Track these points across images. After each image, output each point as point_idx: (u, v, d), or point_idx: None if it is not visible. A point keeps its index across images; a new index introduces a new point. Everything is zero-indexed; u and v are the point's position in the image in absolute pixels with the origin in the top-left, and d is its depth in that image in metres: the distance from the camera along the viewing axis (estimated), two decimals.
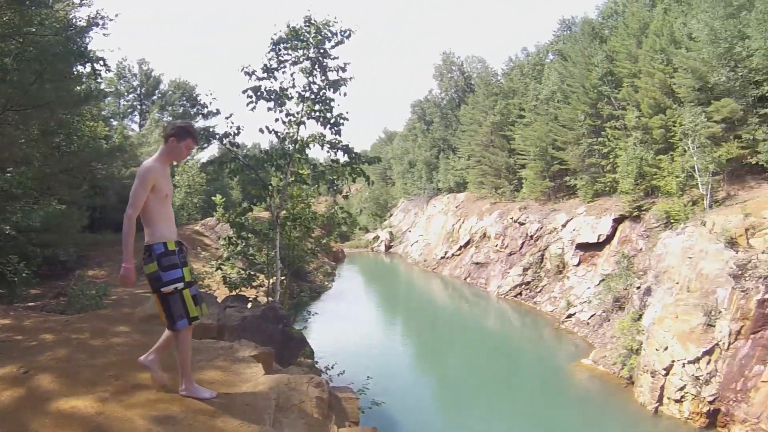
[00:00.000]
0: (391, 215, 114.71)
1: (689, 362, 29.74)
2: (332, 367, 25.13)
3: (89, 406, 7.37)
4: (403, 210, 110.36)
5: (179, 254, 7.44)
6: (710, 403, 28.88)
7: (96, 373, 8.64)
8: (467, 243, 74.85)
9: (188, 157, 74.57)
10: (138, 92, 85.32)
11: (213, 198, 37.72)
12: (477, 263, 68.90)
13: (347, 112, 21.61)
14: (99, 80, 37.96)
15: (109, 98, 74.16)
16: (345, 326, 48.11)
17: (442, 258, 79.69)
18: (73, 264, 36.15)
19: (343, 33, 21.45)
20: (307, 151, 22.73)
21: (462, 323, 55.00)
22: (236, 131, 21.21)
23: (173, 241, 7.43)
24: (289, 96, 21.46)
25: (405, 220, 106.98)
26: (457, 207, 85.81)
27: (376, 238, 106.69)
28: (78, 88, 28.85)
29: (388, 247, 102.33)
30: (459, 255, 75.76)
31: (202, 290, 19.36)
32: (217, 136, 21.45)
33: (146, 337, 10.33)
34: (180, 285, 7.22)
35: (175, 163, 8.00)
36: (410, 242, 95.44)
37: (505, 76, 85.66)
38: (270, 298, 23.64)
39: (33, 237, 24.24)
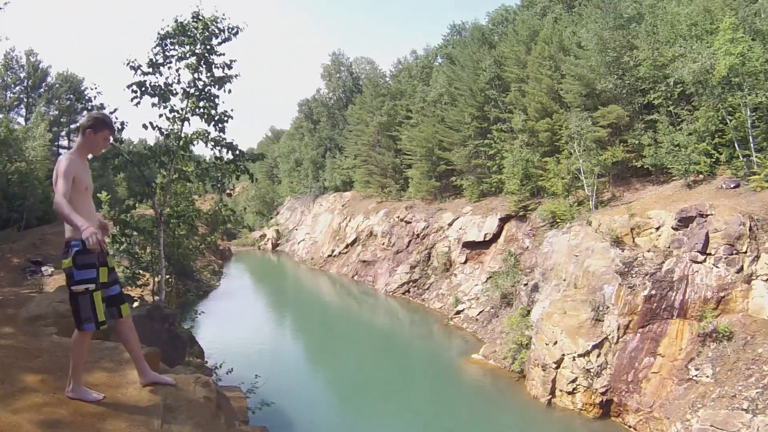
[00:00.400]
0: (277, 213, 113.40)
1: (579, 355, 30.21)
2: (221, 366, 24.39)
3: None
4: (290, 208, 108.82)
5: (99, 253, 6.93)
6: (602, 394, 29.38)
7: None
8: (354, 241, 74.47)
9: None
10: (24, 84, 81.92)
11: (98, 195, 36.47)
12: (364, 261, 68.60)
13: (232, 110, 21.14)
14: None
15: None
16: (234, 325, 47.26)
17: (329, 256, 78.93)
18: None
19: (230, 30, 20.80)
20: (192, 147, 21.94)
21: (351, 321, 54.55)
22: (120, 126, 20.21)
23: None
24: (174, 92, 20.61)
25: (291, 218, 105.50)
26: (343, 206, 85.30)
27: (263, 236, 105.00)
28: None
29: (275, 246, 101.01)
30: (346, 253, 75.21)
31: None
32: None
33: (32, 339, 9.83)
34: (91, 286, 6.78)
35: (91, 155, 7.49)
36: (297, 240, 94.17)
37: (393, 78, 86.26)
38: (156, 297, 22.80)
39: None
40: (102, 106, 20.73)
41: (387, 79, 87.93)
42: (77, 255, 6.75)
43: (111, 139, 7.55)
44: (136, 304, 19.58)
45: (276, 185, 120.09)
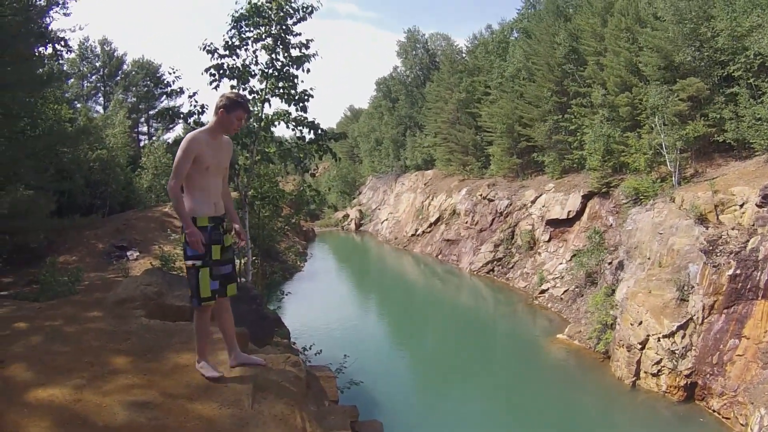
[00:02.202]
0: (359, 193, 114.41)
1: (664, 336, 30.18)
2: (309, 348, 24.97)
3: (66, 393, 7.25)
4: (372, 188, 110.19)
5: (211, 231, 7.35)
6: (687, 376, 29.41)
7: (71, 360, 8.47)
8: (437, 220, 74.92)
9: (155, 138, 74.25)
10: (101, 73, 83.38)
11: None
12: (448, 240, 69.07)
13: (312, 89, 21.35)
14: (61, 61, 37.53)
15: (72, 80, 72.99)
16: (319, 306, 48.09)
17: (412, 235, 79.95)
18: (43, 250, 35.69)
19: (305, 9, 21.12)
20: (273, 128, 22.46)
21: (436, 300, 55.39)
22: (200, 110, 20.86)
23: (207, 216, 7.33)
24: (253, 73, 21.17)
25: (374, 198, 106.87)
26: (425, 184, 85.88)
27: (346, 216, 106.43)
28: (40, 70, 28.36)
29: (358, 226, 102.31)
30: (429, 232, 75.93)
31: (174, 273, 19.14)
32: (182, 116, 21.10)
33: (120, 322, 10.22)
34: (198, 263, 7.18)
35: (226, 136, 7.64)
36: (380, 220, 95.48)
37: (469, 54, 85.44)
38: (242, 279, 23.48)
39: (1, 224, 23.84)
40: (181, 90, 21.38)
41: (463, 55, 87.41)
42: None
43: (245, 119, 7.76)
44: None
45: (357, 165, 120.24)
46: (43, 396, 7.24)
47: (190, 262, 7.16)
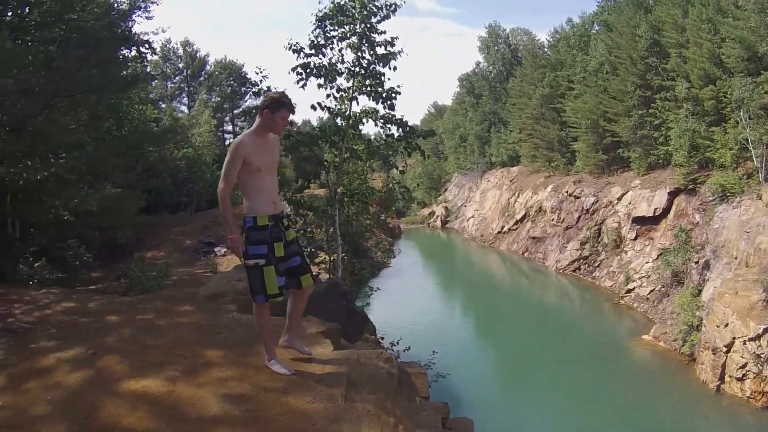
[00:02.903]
0: (445, 190, 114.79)
1: (750, 339, 29.79)
2: (397, 343, 25.29)
3: (160, 385, 7.48)
4: (457, 185, 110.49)
5: (272, 229, 7.55)
6: None
7: (164, 352, 8.75)
8: (523, 217, 74.86)
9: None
10: (184, 74, 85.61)
11: None
12: (534, 238, 69.06)
13: (399, 86, 21.56)
14: (145, 64, 38.43)
15: (156, 81, 74.58)
16: (406, 302, 48.53)
17: (498, 233, 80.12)
18: (131, 246, 36.74)
19: (388, 7, 21.32)
20: (361, 126, 22.73)
21: (521, 298, 55.59)
22: None
23: (266, 215, 7.51)
24: (340, 72, 21.48)
25: (459, 195, 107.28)
26: (511, 181, 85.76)
27: (432, 213, 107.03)
28: (124, 72, 29.15)
29: (444, 223, 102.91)
30: (515, 230, 76.01)
31: None
32: None
33: (212, 316, 10.40)
34: (261, 261, 7.36)
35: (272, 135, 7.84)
36: (466, 217, 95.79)
37: (551, 48, 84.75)
38: (331, 275, 23.77)
39: (91, 221, 24.58)
40: (269, 89, 21.70)
41: (545, 49, 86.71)
42: (249, 231, 7.43)
43: (289, 118, 7.98)
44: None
45: (442, 162, 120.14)
46: (136, 387, 7.49)
47: (252, 261, 7.37)
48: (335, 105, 21.79)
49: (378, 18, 21.32)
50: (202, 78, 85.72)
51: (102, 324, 10.60)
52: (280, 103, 7.63)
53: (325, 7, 21.07)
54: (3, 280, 17.12)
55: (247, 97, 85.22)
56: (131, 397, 7.21)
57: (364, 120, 22.01)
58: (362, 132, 23.47)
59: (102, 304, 12.65)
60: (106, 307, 12.23)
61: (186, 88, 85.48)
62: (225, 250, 38.55)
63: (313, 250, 24.76)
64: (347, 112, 21.67)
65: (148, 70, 44.22)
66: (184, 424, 6.57)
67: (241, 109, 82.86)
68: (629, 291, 47.32)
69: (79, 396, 7.33)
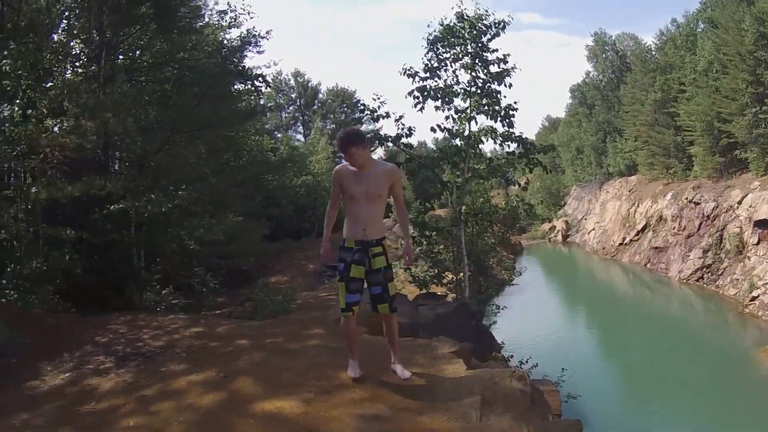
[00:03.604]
0: (564, 204, 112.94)
1: None
2: (526, 361, 24.97)
3: (294, 406, 7.67)
4: (576, 198, 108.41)
5: (356, 252, 8.27)
6: None
7: (296, 375, 9.02)
8: (644, 227, 72.76)
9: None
10: (297, 104, 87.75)
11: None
12: (656, 248, 67.07)
13: (515, 103, 21.42)
14: (260, 96, 39.19)
15: (270, 112, 76.03)
16: (530, 319, 47.94)
17: (620, 245, 77.95)
18: (255, 272, 37.28)
19: (497, 25, 21.27)
20: (481, 145, 22.65)
21: (644, 311, 54.12)
22: (408, 132, 21.30)
23: (354, 240, 8.27)
24: (456, 93, 21.44)
25: (579, 208, 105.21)
26: (629, 191, 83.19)
27: (553, 228, 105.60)
28: (239, 105, 29.87)
29: (565, 237, 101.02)
30: (637, 240, 73.81)
31: None
32: (390, 139, 21.62)
33: (342, 339, 10.53)
34: (337, 277, 8.41)
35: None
36: (587, 230, 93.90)
37: (659, 51, 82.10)
38: (455, 295, 23.64)
39: (216, 249, 25.10)
40: (387, 115, 21.87)
41: (653, 53, 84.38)
42: (339, 249, 8.40)
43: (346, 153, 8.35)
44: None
45: (560, 175, 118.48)
46: (270, 408, 7.71)
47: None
48: (453, 126, 21.72)
49: (488, 36, 21.23)
50: (315, 107, 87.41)
51: (232, 347, 11.01)
52: (339, 142, 8.46)
53: (435, 30, 21.13)
54: (130, 307, 18.11)
55: (361, 123, 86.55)
56: (265, 419, 7.50)
57: (483, 139, 21.86)
58: (481, 150, 23.31)
59: (231, 329, 13.06)
60: (235, 332, 12.64)
61: (300, 117, 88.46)
62: None
63: (439, 270, 24.61)
64: (466, 132, 21.53)
65: (262, 102, 45.21)
66: None
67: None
68: (753, 299, 45.41)
69: (212, 417, 7.71)
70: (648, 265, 67.38)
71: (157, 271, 21.37)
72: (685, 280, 57.25)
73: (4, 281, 17.50)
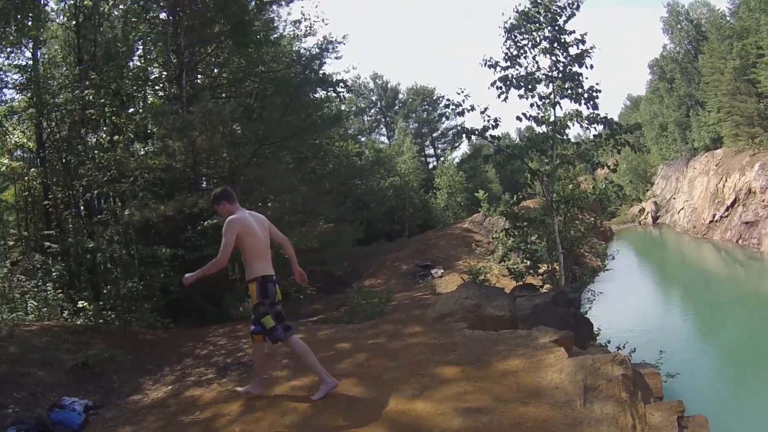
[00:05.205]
0: (652, 184, 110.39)
1: None
2: (623, 346, 24.54)
3: (399, 404, 7.90)
4: (663, 177, 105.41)
5: None
6: None
7: (400, 373, 9.28)
8: (733, 202, 70.95)
9: (443, 158, 76.52)
10: (378, 106, 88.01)
11: (475, 194, 37.85)
12: (746, 223, 65.54)
13: (597, 84, 21.02)
14: (342, 102, 39.39)
15: (352, 117, 76.33)
16: (623, 304, 47.20)
17: (710, 222, 75.92)
18: (348, 277, 37.30)
19: (571, 5, 20.84)
20: (567, 130, 22.34)
21: (737, 290, 53.14)
22: (494, 124, 21.10)
23: None
24: (538, 79, 21.14)
25: (667, 187, 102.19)
26: (716, 165, 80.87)
27: (642, 210, 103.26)
28: (320, 113, 30.04)
29: (654, 219, 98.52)
30: (727, 216, 72.05)
31: (486, 284, 20.41)
32: (477, 132, 21.47)
33: (443, 335, 10.72)
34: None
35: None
36: (676, 210, 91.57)
37: (733, 16, 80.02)
38: (548, 285, 23.34)
39: (311, 256, 25.16)
40: (472, 108, 21.69)
41: (728, 18, 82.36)
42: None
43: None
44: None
45: (645, 155, 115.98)
46: (375, 407, 7.93)
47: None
48: (538, 113, 21.43)
49: (564, 18, 20.85)
50: (396, 107, 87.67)
51: (334, 351, 11.23)
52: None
53: (510, 18, 20.85)
54: (228, 319, 18.84)
55: (443, 119, 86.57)
56: (371, 418, 7.67)
57: (569, 123, 21.49)
58: (567, 135, 22.95)
59: (330, 333, 13.38)
60: (334, 335, 12.98)
61: (383, 119, 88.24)
62: (442, 271, 38.41)
63: (534, 261, 24.27)
64: (551, 118, 21.21)
65: (344, 107, 45.53)
66: None
67: (443, 131, 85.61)
68: None
69: (317, 420, 7.94)
70: (740, 242, 65.78)
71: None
72: None
73: (101, 302, 18.35)
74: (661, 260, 74.98)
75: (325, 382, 8.78)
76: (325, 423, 7.71)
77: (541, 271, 24.26)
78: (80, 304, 18.43)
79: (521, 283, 23.21)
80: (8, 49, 27.01)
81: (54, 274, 20.98)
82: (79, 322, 17.71)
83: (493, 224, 44.22)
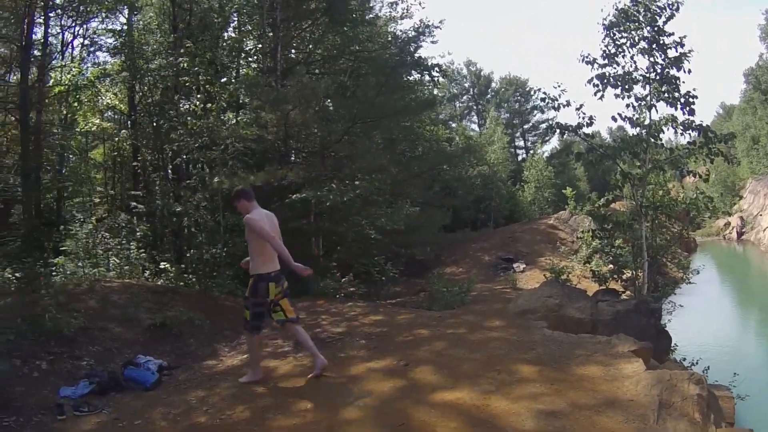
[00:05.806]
0: (740, 198, 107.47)
1: None
2: (697, 363, 24.01)
3: (474, 398, 7.76)
4: (752, 192, 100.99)
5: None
6: None
7: (477, 366, 9.12)
8: None
9: (532, 152, 76.01)
10: (471, 93, 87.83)
11: (563, 191, 37.45)
12: None
13: (694, 89, 20.53)
14: (437, 86, 39.31)
15: (445, 102, 76.11)
16: (700, 320, 46.30)
17: None
18: (430, 262, 37.13)
19: (671, 6, 20.37)
20: (661, 135, 21.90)
21: None
22: (589, 122, 20.78)
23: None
24: (635, 80, 20.75)
25: (755, 203, 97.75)
26: None
27: (728, 224, 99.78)
28: (414, 95, 30.06)
29: (740, 234, 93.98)
30: None
31: (568, 284, 19.81)
32: (571, 128, 21.16)
33: (523, 332, 10.62)
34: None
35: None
36: (762, 227, 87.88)
37: None
38: (629, 292, 22.96)
39: (396, 238, 25.20)
40: (568, 103, 21.43)
41: None
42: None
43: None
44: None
45: (735, 167, 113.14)
46: (449, 398, 7.84)
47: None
48: (633, 114, 21.03)
49: (663, 19, 20.38)
50: (489, 96, 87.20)
51: (413, 337, 11.30)
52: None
53: (609, 14, 20.47)
54: (307, 294, 18.45)
55: (535, 111, 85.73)
56: (444, 408, 7.61)
57: (664, 128, 21.06)
58: (661, 140, 22.49)
59: (410, 318, 13.35)
60: (415, 321, 12.99)
61: (474, 107, 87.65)
62: (524, 266, 38.08)
63: (619, 266, 23.88)
64: (646, 121, 20.81)
65: (436, 92, 45.50)
66: None
67: (537, 124, 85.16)
68: None
69: (392, 404, 7.94)
70: None
71: (334, 259, 21.67)
72: None
73: (183, 265, 19.03)
74: (743, 278, 72.58)
75: (249, 375, 9.57)
76: (400, 408, 7.70)
77: (624, 277, 23.90)
78: (162, 265, 19.14)
79: (604, 287, 22.93)
80: (104, 14, 27.86)
81: (138, 233, 21.56)
82: (159, 283, 18.20)
83: (578, 223, 43.66)
